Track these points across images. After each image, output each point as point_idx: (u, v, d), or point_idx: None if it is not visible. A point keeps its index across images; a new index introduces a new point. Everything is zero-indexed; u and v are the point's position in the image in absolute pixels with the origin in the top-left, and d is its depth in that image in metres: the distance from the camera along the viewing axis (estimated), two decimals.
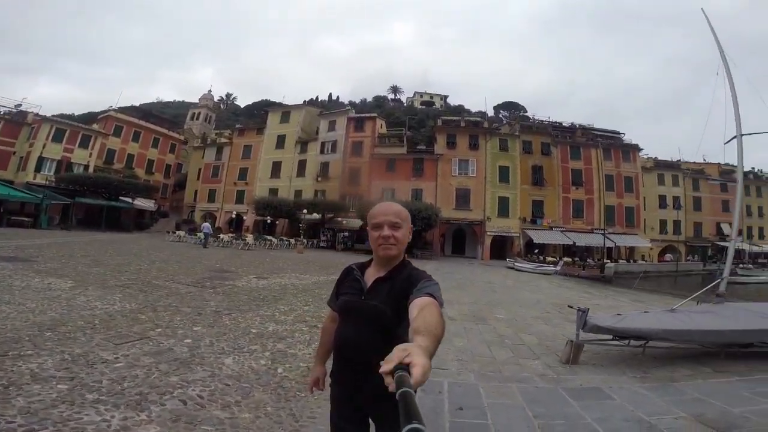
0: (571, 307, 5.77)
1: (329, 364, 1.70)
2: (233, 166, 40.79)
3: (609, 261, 27.71)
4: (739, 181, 6.91)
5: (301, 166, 37.58)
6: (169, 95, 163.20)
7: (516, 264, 24.67)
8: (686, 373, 4.63)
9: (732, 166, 40.12)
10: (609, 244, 30.24)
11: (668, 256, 34.88)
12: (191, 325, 5.08)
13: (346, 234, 31.61)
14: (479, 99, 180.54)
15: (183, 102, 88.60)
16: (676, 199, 36.91)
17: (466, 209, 32.06)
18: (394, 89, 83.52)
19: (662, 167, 38.88)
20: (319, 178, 35.97)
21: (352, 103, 64.38)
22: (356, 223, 30.76)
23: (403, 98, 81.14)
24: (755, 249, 35.36)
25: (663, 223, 36.76)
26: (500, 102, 68.75)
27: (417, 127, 47.58)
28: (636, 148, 36.65)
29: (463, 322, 7.00)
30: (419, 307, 1.10)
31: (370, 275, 1.44)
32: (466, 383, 3.87)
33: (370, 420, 1.40)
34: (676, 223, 37.02)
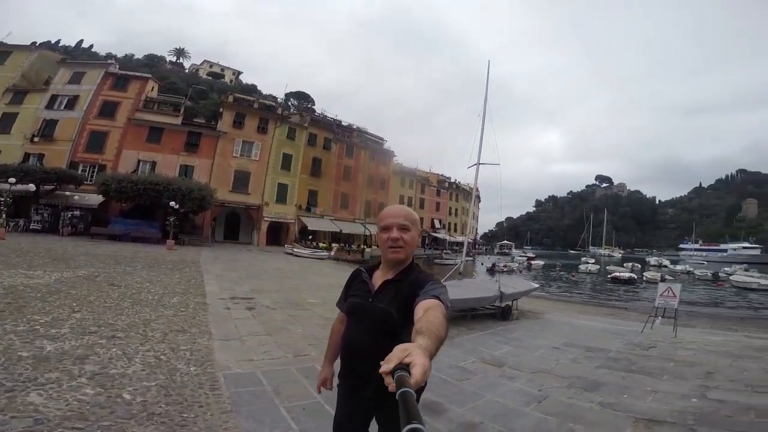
0: None
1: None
2: None
3: (365, 247, 33.29)
4: (473, 195, 10.21)
5: (8, 120, 26.82)
6: None
7: (294, 250, 25.87)
8: (456, 332, 6.60)
9: (446, 177, 55.37)
10: (367, 232, 36.18)
11: None
12: None
13: (77, 213, 23.93)
14: (274, 82, 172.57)
15: None
16: (410, 198, 48.08)
17: (244, 192, 30.71)
18: (179, 52, 70.72)
19: (404, 172, 49.34)
20: (37, 138, 26.16)
21: (111, 56, 50.22)
22: (95, 199, 23.95)
23: (187, 64, 69.45)
24: (451, 239, 50.86)
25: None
26: (293, 90, 68.83)
27: (197, 98, 41.47)
28: (392, 155, 45.24)
29: (284, 310, 7.17)
30: (424, 309, 1.12)
31: (378, 278, 1.46)
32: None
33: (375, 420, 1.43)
34: None
